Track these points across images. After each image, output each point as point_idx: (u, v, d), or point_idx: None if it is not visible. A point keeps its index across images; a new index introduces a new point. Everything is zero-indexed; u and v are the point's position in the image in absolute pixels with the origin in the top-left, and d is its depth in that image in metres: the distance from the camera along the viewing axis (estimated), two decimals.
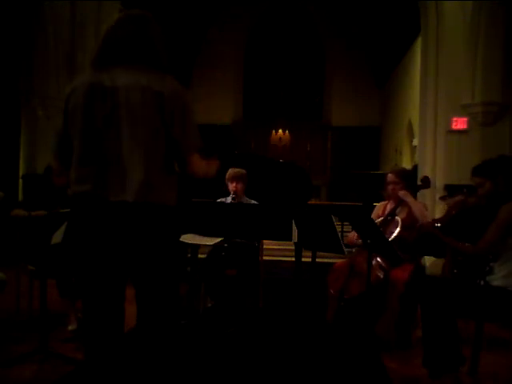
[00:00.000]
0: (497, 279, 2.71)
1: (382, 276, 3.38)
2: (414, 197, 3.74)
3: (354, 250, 3.75)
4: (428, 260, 5.81)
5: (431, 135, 6.55)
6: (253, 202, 4.12)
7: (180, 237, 2.27)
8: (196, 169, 1.96)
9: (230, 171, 4.09)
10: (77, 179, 1.86)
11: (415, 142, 9.21)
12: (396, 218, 3.59)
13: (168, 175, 1.90)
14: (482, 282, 2.79)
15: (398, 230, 3.48)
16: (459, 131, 6.35)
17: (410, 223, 3.51)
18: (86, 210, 1.85)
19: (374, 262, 3.42)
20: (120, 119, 1.82)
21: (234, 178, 4.04)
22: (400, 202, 3.64)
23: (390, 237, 3.45)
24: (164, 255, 1.89)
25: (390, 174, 3.76)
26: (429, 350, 2.67)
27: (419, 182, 3.95)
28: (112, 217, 1.81)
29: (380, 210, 3.85)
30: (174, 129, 1.87)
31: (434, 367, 2.64)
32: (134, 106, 1.82)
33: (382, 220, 3.65)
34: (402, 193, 3.62)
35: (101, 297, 1.90)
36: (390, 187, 3.71)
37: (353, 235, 3.71)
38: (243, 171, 4.10)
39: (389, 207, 3.76)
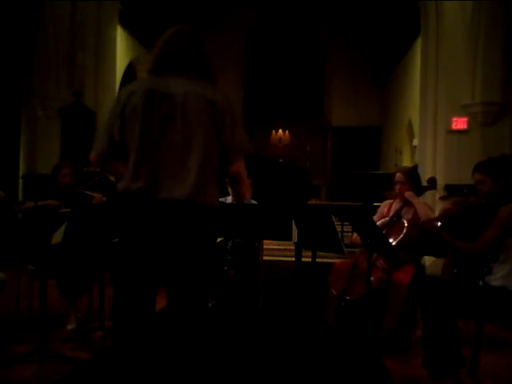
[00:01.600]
0: (496, 279, 2.71)
1: (385, 278, 3.36)
2: (419, 197, 3.71)
3: (357, 251, 3.71)
4: (428, 260, 5.81)
5: (431, 135, 6.55)
6: (252, 201, 4.12)
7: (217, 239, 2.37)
8: (242, 173, 2.06)
9: None
10: (132, 177, 1.95)
11: (415, 142, 9.21)
12: (402, 220, 3.52)
13: (217, 180, 2.02)
14: (480, 283, 2.79)
15: (403, 232, 3.43)
16: (459, 131, 6.35)
17: (414, 225, 3.48)
18: (137, 205, 1.94)
19: (377, 264, 3.41)
20: (176, 122, 1.94)
21: None
22: (406, 203, 3.59)
23: (395, 239, 3.42)
24: (205, 255, 1.98)
25: (398, 174, 3.67)
26: (429, 350, 2.67)
27: (425, 183, 3.91)
28: (162, 214, 1.91)
29: (385, 209, 3.78)
30: (224, 134, 1.99)
31: (435, 368, 2.64)
32: (190, 110, 1.95)
33: (387, 220, 3.59)
34: (408, 194, 3.57)
35: (137, 291, 1.97)
36: (397, 187, 3.64)
37: (356, 236, 3.67)
38: None
39: (394, 207, 3.70)
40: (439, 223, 2.97)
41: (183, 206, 1.91)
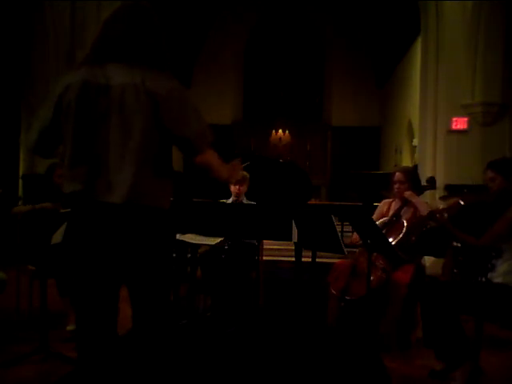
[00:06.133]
0: (497, 276, 2.74)
1: (385, 278, 3.36)
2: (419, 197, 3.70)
3: (357, 251, 3.70)
4: (428, 260, 5.81)
5: (431, 135, 6.56)
6: (252, 203, 4.12)
7: (173, 239, 2.24)
8: (214, 167, 1.91)
9: None
10: (69, 178, 1.84)
11: (415, 142, 9.21)
12: (402, 220, 3.52)
13: (159, 177, 1.85)
14: (483, 279, 2.82)
15: (403, 232, 3.44)
16: (459, 131, 6.35)
17: (414, 224, 3.49)
18: (77, 209, 1.84)
19: (377, 264, 3.41)
20: (112, 118, 1.78)
21: (238, 181, 4.02)
22: (405, 203, 3.59)
23: (395, 239, 3.42)
24: (153, 257, 1.85)
25: (397, 173, 3.67)
26: (437, 347, 2.69)
27: (424, 183, 3.91)
28: (101, 217, 1.79)
29: (384, 208, 3.77)
30: (179, 128, 1.82)
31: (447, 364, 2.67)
32: (127, 106, 1.77)
33: (386, 220, 3.59)
34: (407, 193, 3.55)
35: (93, 298, 1.89)
36: (396, 186, 3.64)
37: (356, 236, 3.67)
38: (247, 174, 4.10)
39: (393, 207, 3.69)
40: (446, 214, 2.99)
41: (121, 210, 1.77)
